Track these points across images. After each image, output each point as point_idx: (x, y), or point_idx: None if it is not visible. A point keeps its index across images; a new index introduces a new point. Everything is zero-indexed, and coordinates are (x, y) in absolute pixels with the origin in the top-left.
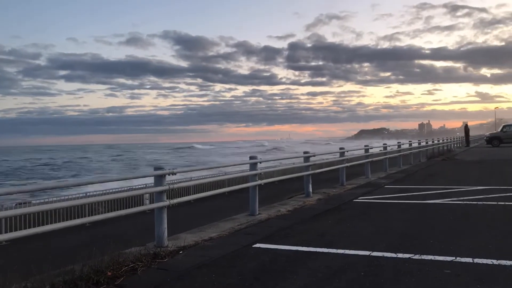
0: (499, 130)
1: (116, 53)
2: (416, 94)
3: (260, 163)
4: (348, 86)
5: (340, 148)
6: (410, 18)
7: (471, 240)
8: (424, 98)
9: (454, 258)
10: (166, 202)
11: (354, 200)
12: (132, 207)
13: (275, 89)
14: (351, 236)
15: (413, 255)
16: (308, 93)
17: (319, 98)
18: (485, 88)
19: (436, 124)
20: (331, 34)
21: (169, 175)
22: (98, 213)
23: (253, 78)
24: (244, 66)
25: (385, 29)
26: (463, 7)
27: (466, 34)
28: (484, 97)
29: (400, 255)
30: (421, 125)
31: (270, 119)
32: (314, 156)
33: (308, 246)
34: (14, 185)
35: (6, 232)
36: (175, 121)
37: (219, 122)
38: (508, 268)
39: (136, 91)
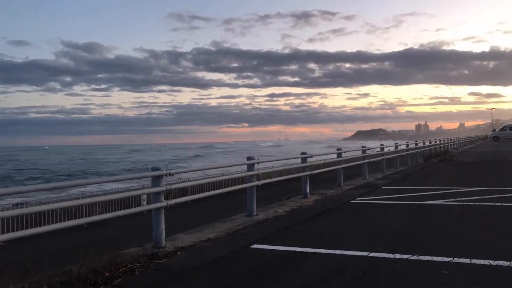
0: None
1: (12, 55)
2: (377, 96)
3: (258, 163)
4: (290, 89)
5: (337, 149)
6: (292, 22)
7: (469, 241)
8: (389, 100)
9: (451, 258)
10: (164, 203)
11: (352, 201)
12: (130, 207)
13: (218, 92)
14: (349, 237)
15: (410, 255)
16: (268, 95)
17: (282, 100)
18: (443, 89)
19: (432, 125)
20: (220, 37)
21: (166, 176)
22: (95, 214)
23: (180, 80)
24: (158, 68)
25: (272, 33)
26: (335, 13)
27: (368, 40)
28: (449, 98)
29: (398, 256)
30: (418, 126)
31: (249, 120)
32: (311, 157)
33: (305, 247)
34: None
35: (3, 232)
36: (148, 122)
37: (194, 123)
38: (506, 269)
39: (81, 92)
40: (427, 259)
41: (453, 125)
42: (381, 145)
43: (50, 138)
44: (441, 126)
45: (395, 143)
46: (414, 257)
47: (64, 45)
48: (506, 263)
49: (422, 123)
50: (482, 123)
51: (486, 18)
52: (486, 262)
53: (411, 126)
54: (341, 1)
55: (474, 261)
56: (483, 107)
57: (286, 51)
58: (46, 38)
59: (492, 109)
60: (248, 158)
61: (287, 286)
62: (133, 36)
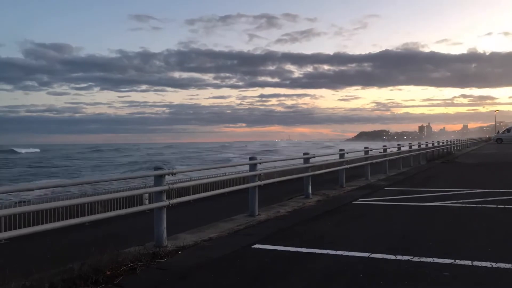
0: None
1: None
2: (367, 98)
3: (260, 163)
4: (276, 90)
5: (340, 150)
6: (255, 23)
7: (471, 242)
8: (382, 101)
9: (453, 260)
10: (166, 202)
11: (354, 202)
12: (132, 206)
13: (201, 92)
14: (351, 237)
15: (412, 257)
16: (258, 96)
17: (273, 100)
18: (433, 91)
19: (434, 127)
20: (186, 38)
21: (168, 175)
22: (97, 213)
23: (158, 80)
24: (132, 68)
25: (237, 34)
26: (295, 15)
27: (340, 41)
28: (442, 100)
29: (399, 257)
30: (421, 128)
31: (245, 120)
32: (314, 157)
33: (307, 247)
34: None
35: (5, 230)
36: (143, 121)
37: (190, 123)
38: (507, 271)
39: (62, 90)
40: (428, 260)
41: (455, 126)
42: (383, 146)
43: (51, 137)
44: (444, 127)
45: (398, 144)
46: (416, 259)
47: (31, 44)
48: (508, 265)
49: (425, 124)
50: (485, 125)
51: (454, 21)
52: (488, 264)
53: (413, 127)
54: (301, 4)
55: (476, 263)
56: (479, 109)
57: (258, 52)
58: (9, 37)
59: (496, 111)
60: (251, 158)
61: (288, 287)
62: (97, 37)
